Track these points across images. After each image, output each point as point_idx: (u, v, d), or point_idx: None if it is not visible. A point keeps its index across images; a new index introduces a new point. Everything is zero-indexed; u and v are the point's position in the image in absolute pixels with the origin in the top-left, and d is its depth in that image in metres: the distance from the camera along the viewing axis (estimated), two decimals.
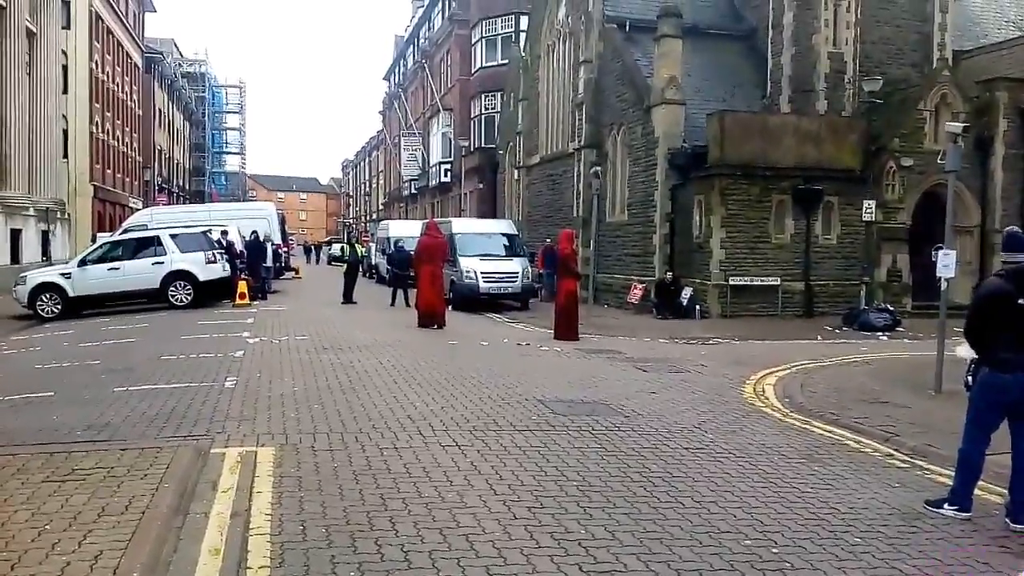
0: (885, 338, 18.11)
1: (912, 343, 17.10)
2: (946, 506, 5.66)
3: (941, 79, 22.35)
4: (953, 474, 6.04)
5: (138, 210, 39.52)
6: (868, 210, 20.94)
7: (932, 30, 24.96)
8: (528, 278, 24.06)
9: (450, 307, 20.75)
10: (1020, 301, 5.49)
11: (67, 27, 35.27)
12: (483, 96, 44.93)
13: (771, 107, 24.62)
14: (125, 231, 26.03)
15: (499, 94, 42.09)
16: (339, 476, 6.28)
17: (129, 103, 52.39)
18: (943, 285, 11.49)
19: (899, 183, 21.95)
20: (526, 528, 5.26)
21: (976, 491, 5.93)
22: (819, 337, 17.89)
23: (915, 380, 11.54)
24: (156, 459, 6.58)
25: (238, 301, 21.64)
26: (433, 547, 4.91)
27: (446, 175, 50.63)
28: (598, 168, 23.92)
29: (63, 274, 20.74)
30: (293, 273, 36.59)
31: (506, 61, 40.42)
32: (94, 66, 42.87)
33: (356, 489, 5.96)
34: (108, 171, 46.63)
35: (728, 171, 21.29)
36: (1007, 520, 5.62)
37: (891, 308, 20.09)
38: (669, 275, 22.57)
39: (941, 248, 11.51)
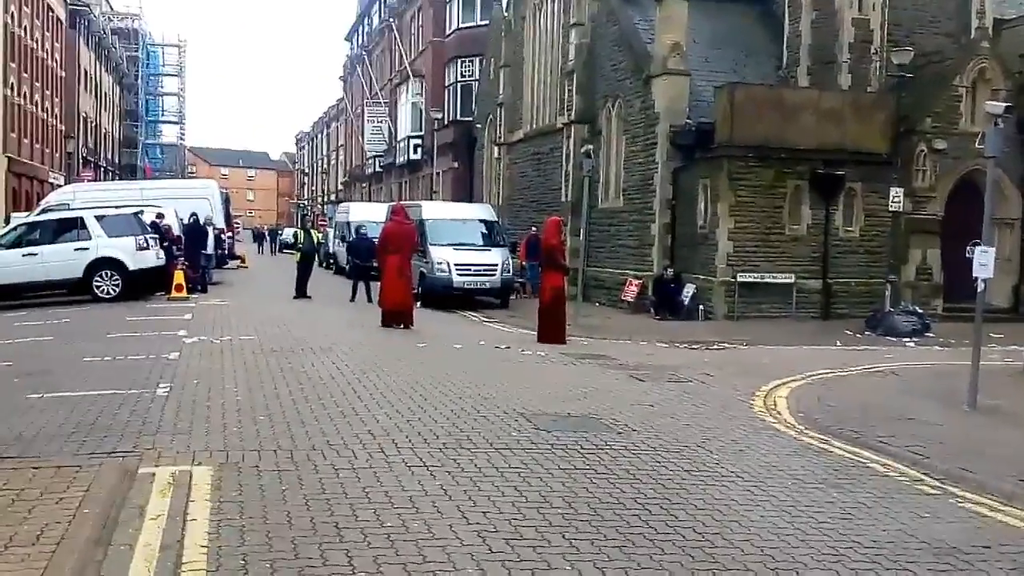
0: (913, 345, 18.23)
1: (943, 351, 17.20)
2: None
3: (980, 51, 22.48)
4: (992, 502, 6.04)
5: (59, 187, 39.11)
6: (895, 199, 21.02)
7: None
8: (509, 271, 24.06)
9: (419, 304, 20.69)
10: None
11: None
12: (459, 61, 44.77)
13: (788, 80, 24.70)
14: (44, 211, 25.77)
15: (478, 59, 41.95)
16: (287, 501, 6.20)
17: (50, 63, 51.75)
18: (980, 286, 11.51)
19: (931, 169, 22.08)
20: (503, 565, 5.21)
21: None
22: (838, 343, 17.98)
23: (947, 394, 11.59)
24: (74, 480, 6.48)
25: (174, 294, 21.53)
26: None
27: (416, 151, 50.45)
28: (590, 147, 23.88)
29: None
30: (238, 262, 36.44)
31: (486, 22, 40.30)
32: (9, 20, 42.32)
33: (307, 517, 5.88)
34: (25, 141, 46.05)
35: (738, 152, 21.35)
36: None
37: (920, 311, 20.22)
38: (669, 270, 22.61)
39: (978, 244, 11.55)
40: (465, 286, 22.99)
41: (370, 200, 57.54)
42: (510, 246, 25.97)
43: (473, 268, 23.12)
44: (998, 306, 20.83)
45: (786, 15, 25.29)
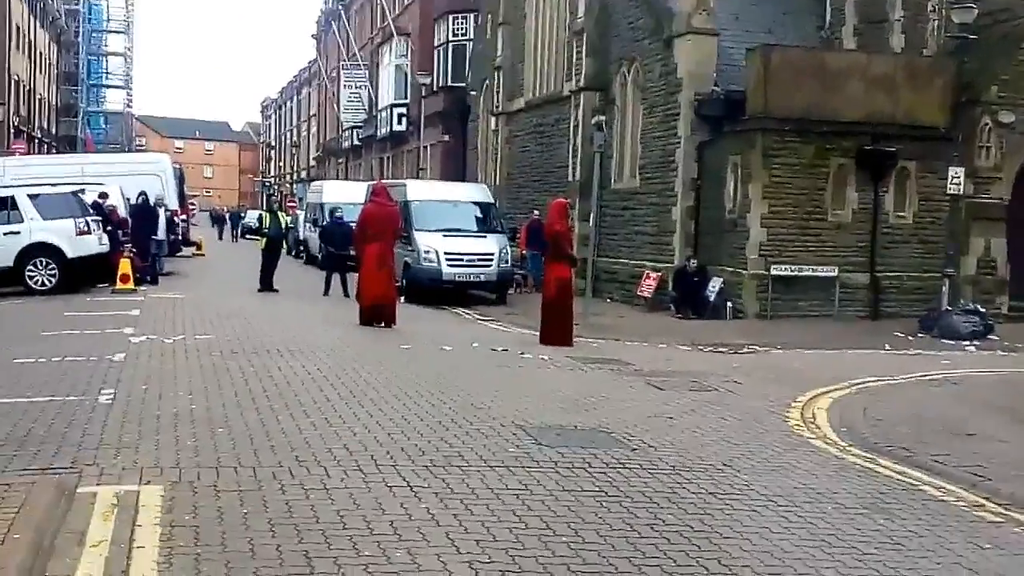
0: (974, 349, 18.32)
1: (1009, 356, 17.23)
2: None
3: None
4: None
5: None
6: (955, 180, 21.01)
7: None
8: (507, 262, 24.08)
9: (402, 298, 20.70)
10: None
11: None
12: (451, 18, 44.71)
13: (831, 42, 24.70)
14: None
15: (472, 16, 41.95)
16: (250, 527, 6.20)
17: None
18: None
19: (996, 145, 22.08)
20: None
21: None
22: (888, 347, 18.06)
23: (1013, 406, 11.61)
24: (3, 500, 6.48)
25: (119, 285, 21.58)
26: None
27: (400, 122, 50.45)
28: (602, 118, 23.90)
29: None
30: (194, 249, 36.50)
31: None
32: None
33: (272, 545, 5.88)
34: None
35: (773, 125, 21.36)
36: None
37: (982, 310, 20.25)
38: (692, 261, 22.62)
39: None
40: (456, 278, 23.03)
41: (347, 178, 57.62)
42: (509, 232, 25.97)
43: (466, 258, 23.15)
44: None
45: None
